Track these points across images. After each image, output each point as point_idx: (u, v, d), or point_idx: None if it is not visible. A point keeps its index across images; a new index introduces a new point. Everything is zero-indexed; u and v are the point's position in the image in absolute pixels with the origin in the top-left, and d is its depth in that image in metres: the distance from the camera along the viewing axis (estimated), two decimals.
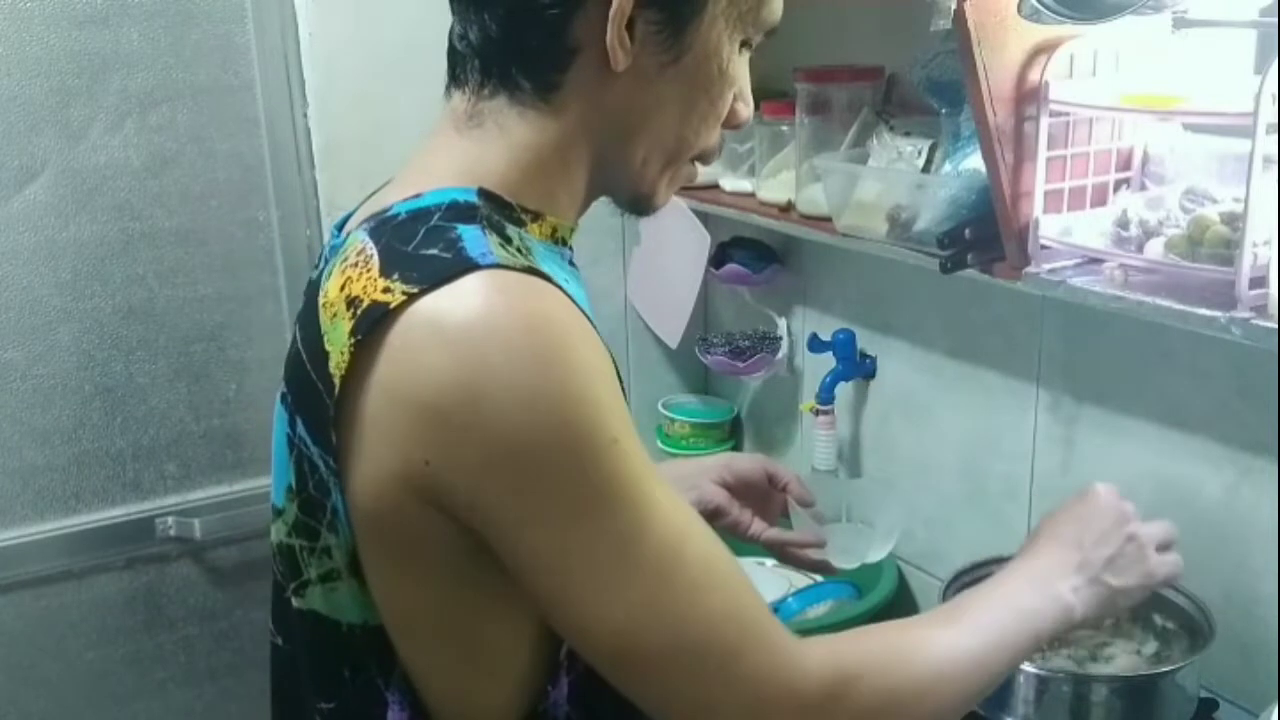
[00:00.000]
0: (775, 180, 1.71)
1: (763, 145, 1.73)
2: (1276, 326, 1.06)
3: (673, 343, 2.08)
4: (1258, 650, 1.32)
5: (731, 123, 0.97)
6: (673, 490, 0.87)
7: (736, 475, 1.25)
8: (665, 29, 0.88)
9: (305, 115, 1.79)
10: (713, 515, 1.24)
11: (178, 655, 1.88)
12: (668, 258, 2.02)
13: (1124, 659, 1.31)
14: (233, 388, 1.83)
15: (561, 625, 0.85)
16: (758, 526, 1.26)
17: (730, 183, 1.83)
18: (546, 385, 0.79)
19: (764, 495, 1.27)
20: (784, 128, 1.69)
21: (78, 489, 1.77)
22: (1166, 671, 1.25)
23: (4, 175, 1.64)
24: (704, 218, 1.94)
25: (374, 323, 0.81)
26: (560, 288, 0.84)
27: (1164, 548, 1.11)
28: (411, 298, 0.81)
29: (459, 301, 0.80)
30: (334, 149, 1.81)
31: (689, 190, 1.88)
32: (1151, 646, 1.32)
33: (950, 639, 0.95)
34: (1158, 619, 1.36)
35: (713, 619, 0.84)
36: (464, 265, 0.81)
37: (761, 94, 1.77)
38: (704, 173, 1.84)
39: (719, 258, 1.96)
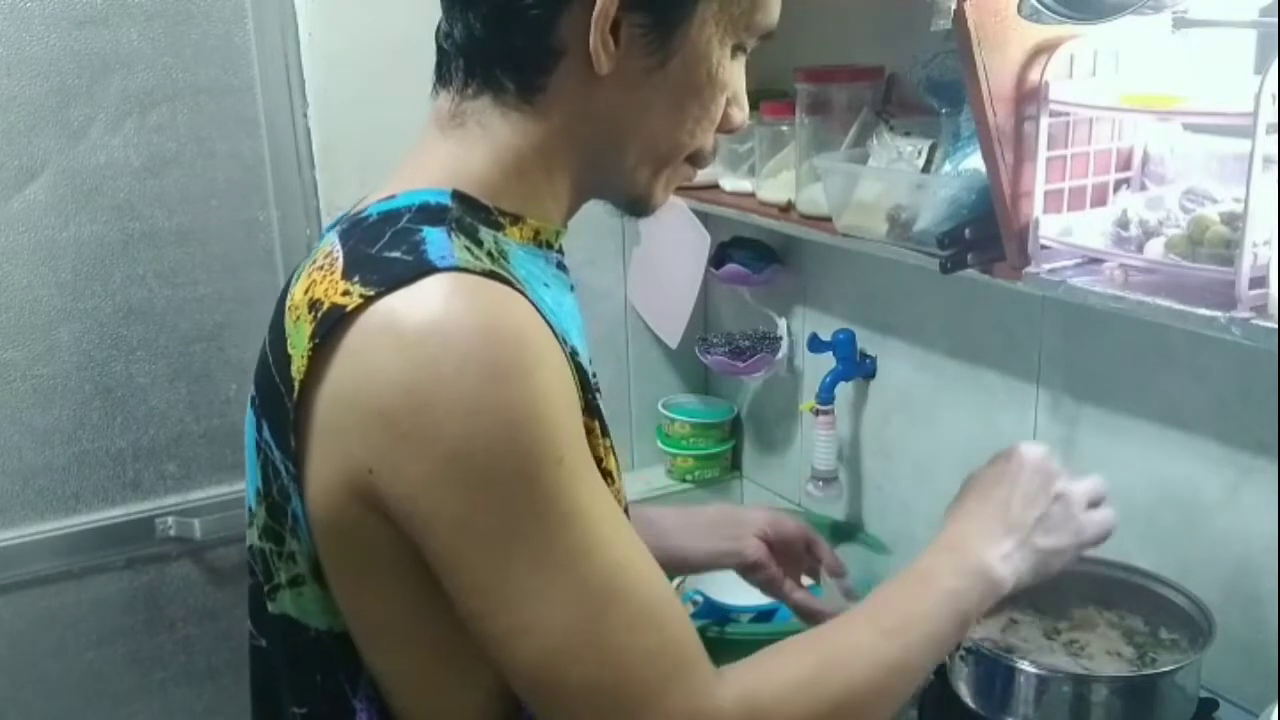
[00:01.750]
0: (775, 180, 1.71)
1: (763, 145, 1.73)
2: (1276, 326, 1.06)
3: (673, 343, 2.09)
4: (1258, 650, 1.32)
5: (725, 127, 0.96)
6: (619, 517, 0.85)
7: (780, 535, 1.26)
8: (651, 32, 0.87)
9: (305, 115, 1.79)
10: (751, 568, 1.25)
11: (178, 655, 1.88)
12: (668, 258, 2.02)
13: (1103, 658, 1.31)
14: (233, 388, 1.83)
15: (484, 646, 0.83)
16: (789, 586, 1.26)
17: (730, 183, 1.83)
18: (495, 397, 0.77)
19: (797, 557, 1.28)
20: (784, 128, 1.69)
21: (78, 489, 1.77)
22: (1166, 671, 1.25)
23: (4, 175, 1.64)
24: (704, 218, 1.94)
25: (332, 325, 0.81)
26: (523, 292, 0.83)
27: (1094, 504, 1.08)
28: (368, 300, 0.80)
29: (414, 304, 0.79)
30: (334, 149, 1.81)
31: (689, 190, 1.88)
32: (1130, 651, 1.32)
33: (872, 644, 0.92)
34: (1140, 623, 1.36)
35: (638, 658, 0.82)
36: (423, 268, 0.80)
37: (761, 94, 1.77)
38: (704, 173, 1.84)
39: (719, 258, 1.96)
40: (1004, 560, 1.00)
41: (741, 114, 0.97)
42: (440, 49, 0.93)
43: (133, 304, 1.75)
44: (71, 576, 1.79)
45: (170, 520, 1.81)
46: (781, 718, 0.86)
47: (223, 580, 1.88)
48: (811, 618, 1.25)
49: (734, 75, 0.94)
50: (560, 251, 0.97)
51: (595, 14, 0.84)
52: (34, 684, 1.79)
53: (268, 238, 1.82)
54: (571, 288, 0.99)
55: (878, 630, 0.94)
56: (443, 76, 0.93)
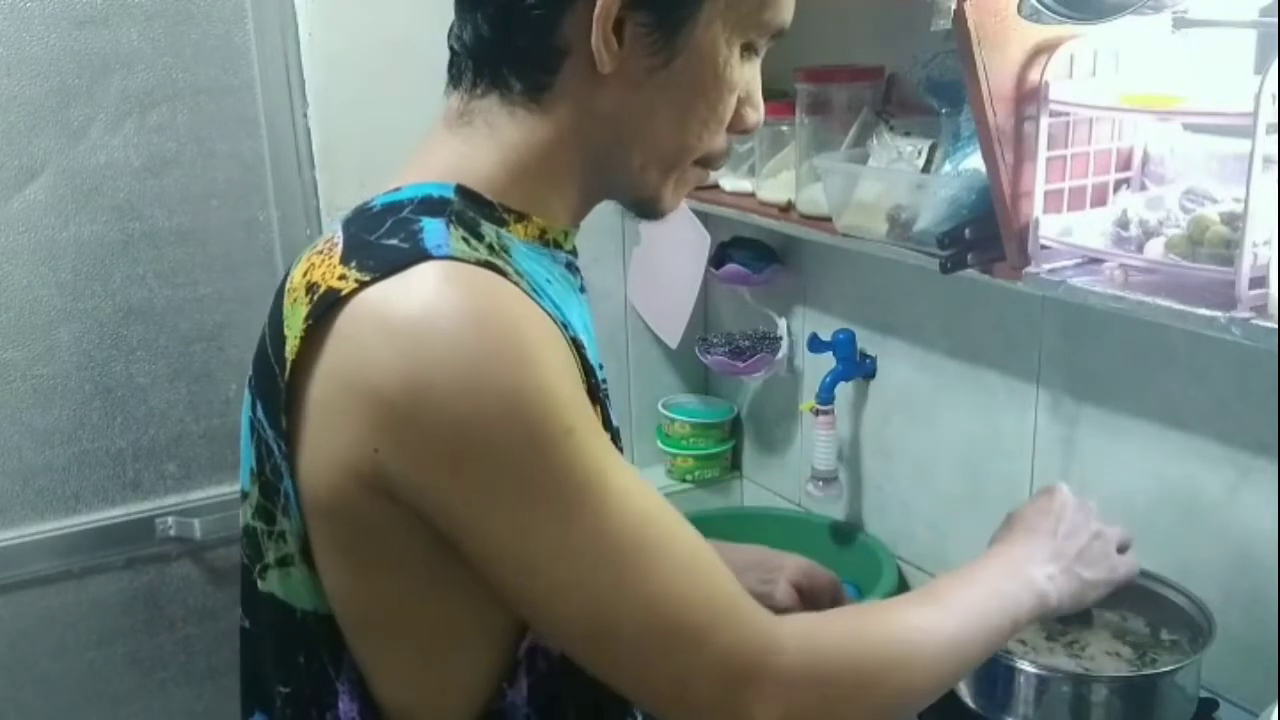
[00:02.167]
0: (775, 180, 1.71)
1: (763, 145, 1.73)
2: (1276, 326, 1.06)
3: (673, 343, 2.09)
4: (1258, 650, 1.32)
5: (737, 128, 0.95)
6: (635, 474, 0.86)
7: (811, 585, 1.27)
8: (655, 32, 0.87)
9: (305, 115, 1.79)
10: (778, 613, 1.25)
11: (178, 655, 1.88)
12: (668, 258, 2.02)
13: (1103, 659, 1.31)
14: (233, 388, 1.83)
15: (527, 613, 0.85)
16: None
17: (730, 183, 1.83)
18: (494, 374, 0.78)
19: (822, 609, 1.28)
20: (784, 128, 1.69)
21: (78, 489, 1.77)
22: (1166, 671, 1.25)
23: (4, 175, 1.64)
24: (704, 218, 1.94)
25: (326, 308, 0.82)
26: (517, 283, 0.83)
27: (1121, 549, 1.13)
28: (363, 285, 0.81)
29: (406, 291, 0.80)
30: (334, 149, 1.81)
31: (690, 190, 1.88)
32: (1129, 651, 1.32)
33: (928, 618, 0.94)
34: (1140, 623, 1.36)
35: (682, 598, 0.83)
36: (417, 255, 0.81)
37: (762, 94, 1.77)
38: None
39: (719, 258, 1.96)
40: (1049, 580, 1.04)
41: (756, 115, 0.96)
42: (452, 50, 0.94)
43: (133, 304, 1.75)
44: (71, 576, 1.79)
45: (170, 520, 1.81)
46: (840, 663, 0.88)
47: (223, 580, 1.88)
48: None
49: (745, 75, 0.93)
50: (572, 253, 0.97)
51: (597, 12, 0.84)
52: (34, 684, 1.79)
53: (268, 238, 1.82)
54: (582, 289, 0.99)
55: (938, 608, 0.96)
56: (454, 77, 0.94)
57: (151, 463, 1.81)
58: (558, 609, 0.83)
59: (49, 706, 1.80)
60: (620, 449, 0.96)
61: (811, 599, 1.26)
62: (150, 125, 1.71)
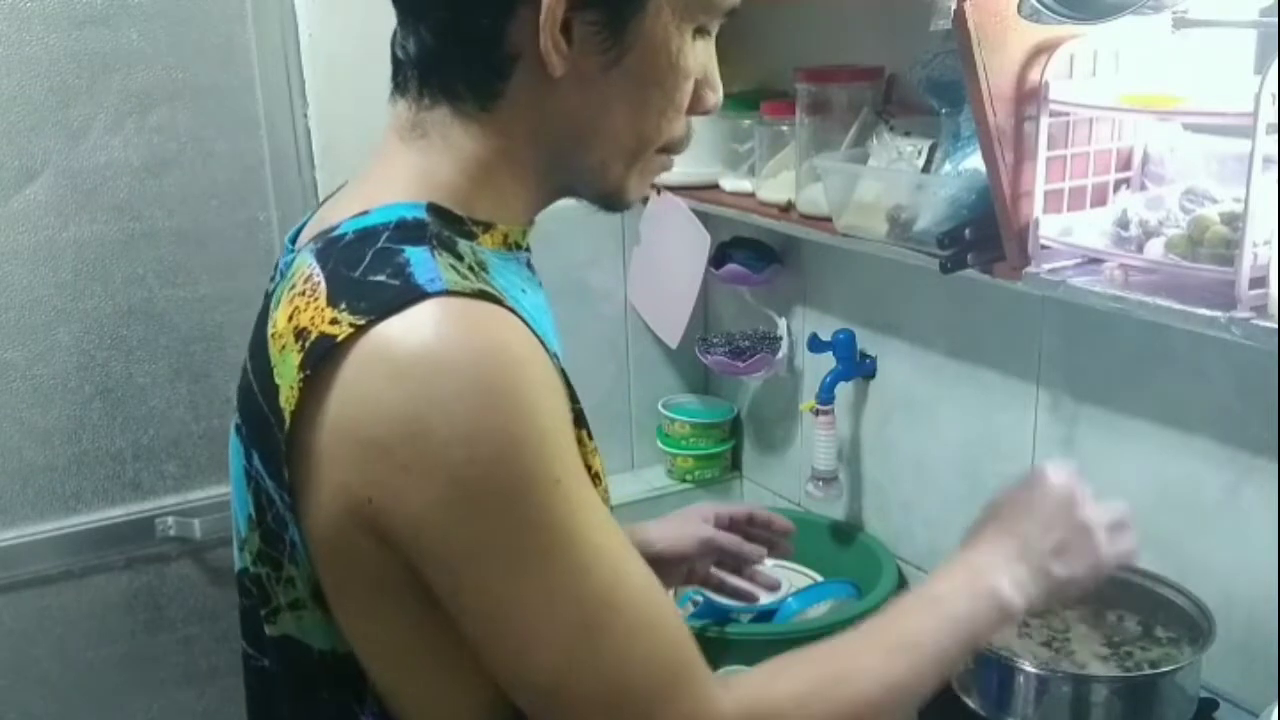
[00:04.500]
0: (775, 180, 1.71)
1: (763, 145, 1.73)
2: (1276, 326, 1.06)
3: (673, 343, 2.08)
4: (1258, 650, 1.32)
5: (697, 109, 0.93)
6: (615, 529, 0.85)
7: (726, 514, 1.33)
8: (604, 29, 0.85)
9: (305, 115, 1.79)
10: (704, 545, 1.32)
11: (178, 655, 1.89)
12: (668, 258, 2.02)
13: (1084, 655, 1.32)
14: (233, 388, 1.81)
15: (490, 663, 0.83)
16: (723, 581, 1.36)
17: (730, 183, 1.83)
18: (490, 422, 0.77)
19: (748, 535, 1.36)
20: (784, 128, 1.69)
21: (78, 489, 1.77)
22: (1166, 671, 1.25)
23: (4, 175, 1.64)
24: (704, 218, 1.94)
25: (322, 356, 0.80)
26: (512, 309, 0.82)
27: (1117, 528, 1.06)
28: (359, 329, 0.79)
29: (408, 333, 0.78)
30: (334, 149, 1.81)
31: (689, 190, 1.88)
32: (1105, 650, 1.32)
33: (877, 663, 0.92)
34: (1132, 622, 1.36)
35: (641, 665, 0.83)
36: (413, 293, 0.79)
37: (762, 94, 1.77)
38: (704, 172, 1.86)
39: (719, 258, 1.96)
40: (1016, 587, 0.99)
41: (715, 95, 0.94)
42: (395, 58, 0.92)
43: (133, 304, 1.75)
44: (71, 576, 1.79)
45: (170, 520, 1.81)
46: None
47: (223, 580, 1.88)
48: (745, 598, 1.40)
49: (700, 58, 0.92)
50: (528, 249, 0.96)
51: (543, 17, 0.83)
52: (34, 684, 1.79)
53: (268, 238, 1.82)
54: (540, 284, 0.98)
55: (885, 648, 0.94)
56: (399, 85, 0.92)
57: (151, 463, 1.81)
58: (519, 667, 0.82)
59: (49, 706, 1.80)
60: (590, 433, 0.95)
61: (738, 529, 1.34)
62: (150, 125, 1.71)
